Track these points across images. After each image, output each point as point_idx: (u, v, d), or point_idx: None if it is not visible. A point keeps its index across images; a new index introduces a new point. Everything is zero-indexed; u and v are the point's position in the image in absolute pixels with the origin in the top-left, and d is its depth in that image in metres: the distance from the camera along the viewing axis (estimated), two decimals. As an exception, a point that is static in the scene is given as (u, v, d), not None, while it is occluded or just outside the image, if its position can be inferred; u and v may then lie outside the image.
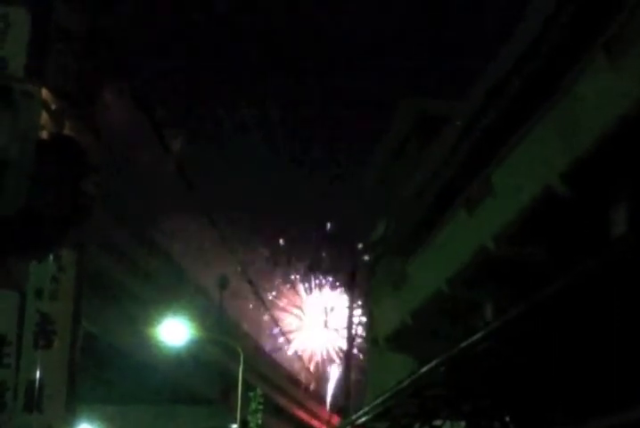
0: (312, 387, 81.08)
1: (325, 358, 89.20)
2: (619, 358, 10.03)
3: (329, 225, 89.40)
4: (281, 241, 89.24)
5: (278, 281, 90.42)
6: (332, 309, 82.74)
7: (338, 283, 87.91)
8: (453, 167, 19.56)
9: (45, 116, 4.27)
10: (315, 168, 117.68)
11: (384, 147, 28.57)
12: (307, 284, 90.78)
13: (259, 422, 32.37)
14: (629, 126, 10.89)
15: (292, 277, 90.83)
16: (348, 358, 36.50)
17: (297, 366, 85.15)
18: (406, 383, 13.09)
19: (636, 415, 9.35)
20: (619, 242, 9.64)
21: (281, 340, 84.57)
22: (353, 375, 37.26)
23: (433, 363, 11.82)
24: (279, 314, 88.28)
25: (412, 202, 23.27)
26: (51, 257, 4.90)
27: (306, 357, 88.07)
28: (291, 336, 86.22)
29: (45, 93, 4.26)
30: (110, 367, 34.88)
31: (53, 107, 4.33)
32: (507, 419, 14.44)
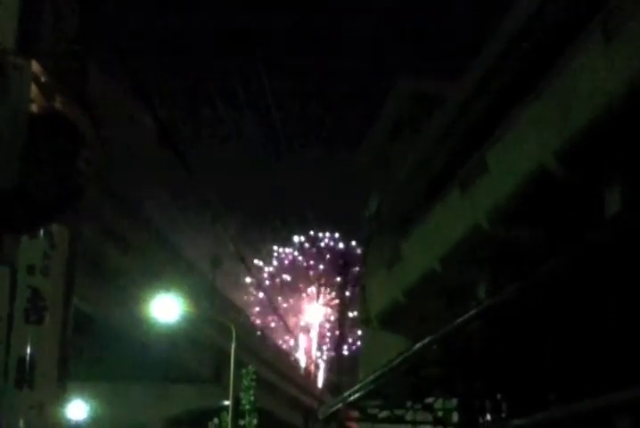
0: (304, 364, 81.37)
1: (318, 335, 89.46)
2: (612, 338, 10.04)
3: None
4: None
5: (272, 258, 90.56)
6: (325, 287, 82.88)
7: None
8: (448, 146, 19.53)
9: (35, 89, 4.21)
10: (309, 146, 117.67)
11: (380, 126, 28.54)
12: (301, 260, 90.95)
13: (252, 399, 32.45)
14: (624, 105, 10.86)
15: (286, 255, 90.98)
16: (340, 335, 36.61)
17: (289, 342, 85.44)
18: (397, 361, 13.11)
19: (629, 395, 9.38)
20: (613, 222, 9.64)
21: (273, 317, 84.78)
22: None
23: (425, 341, 11.84)
24: (272, 291, 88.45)
25: (406, 181, 23.26)
26: (42, 233, 4.86)
27: (298, 333, 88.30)
28: (283, 313, 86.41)
29: (35, 66, 4.20)
30: (104, 345, 34.92)
31: (43, 80, 4.27)
32: (499, 397, 14.50)
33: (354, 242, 75.27)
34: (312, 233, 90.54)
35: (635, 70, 10.50)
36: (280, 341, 79.98)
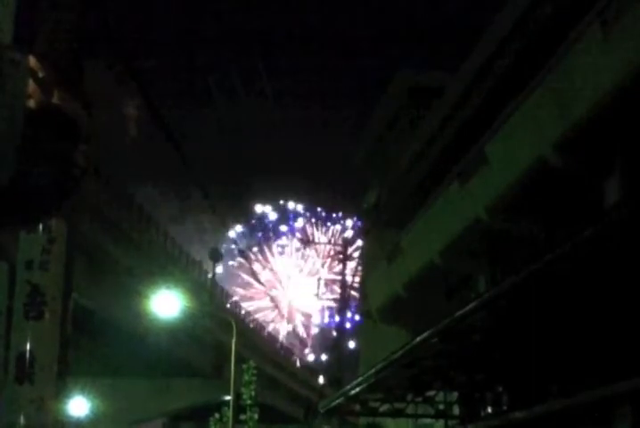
0: (305, 358, 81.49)
1: (318, 328, 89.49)
2: (612, 329, 10.03)
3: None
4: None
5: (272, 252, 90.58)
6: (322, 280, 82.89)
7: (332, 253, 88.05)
8: (446, 138, 19.51)
9: (32, 84, 4.20)
10: (307, 138, 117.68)
11: (378, 118, 28.53)
12: (301, 254, 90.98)
13: (253, 393, 32.46)
14: (623, 96, 10.84)
15: (286, 248, 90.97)
16: (340, 329, 36.63)
17: (289, 337, 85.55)
18: (398, 354, 13.10)
19: (629, 386, 9.38)
20: (612, 213, 9.62)
21: (274, 311, 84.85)
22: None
23: (426, 334, 11.82)
24: (272, 284, 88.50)
25: (405, 174, 23.24)
26: (40, 228, 4.85)
27: (298, 327, 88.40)
28: (283, 307, 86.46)
29: (32, 61, 4.19)
30: (105, 341, 34.94)
31: (41, 75, 4.26)
32: (500, 390, 14.50)
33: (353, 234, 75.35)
34: (311, 224, 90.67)
35: (633, 60, 10.48)
36: (280, 335, 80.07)
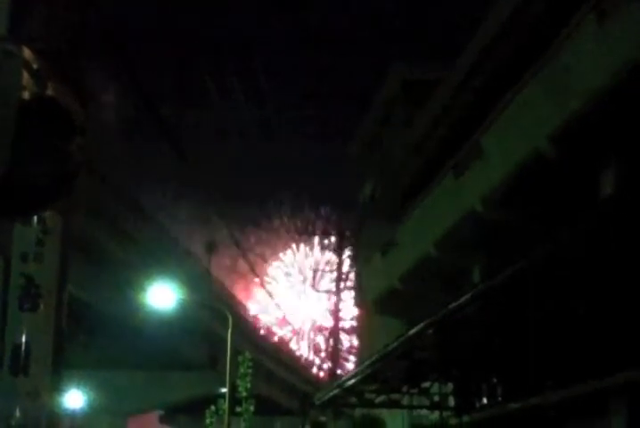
0: (300, 350, 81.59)
1: (313, 320, 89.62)
2: (607, 322, 10.05)
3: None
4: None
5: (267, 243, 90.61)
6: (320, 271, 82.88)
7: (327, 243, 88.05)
8: (442, 130, 19.51)
9: (26, 76, 4.18)
10: (303, 132, 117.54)
11: (374, 112, 28.51)
12: (296, 246, 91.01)
13: (248, 385, 32.55)
14: (618, 88, 10.84)
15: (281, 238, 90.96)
16: (336, 321, 36.65)
17: (285, 329, 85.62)
18: (393, 346, 13.13)
19: (622, 378, 9.40)
20: (607, 205, 9.64)
21: (269, 303, 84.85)
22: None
23: (421, 325, 11.86)
24: (268, 277, 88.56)
25: (400, 166, 23.25)
26: (35, 220, 4.84)
27: (294, 319, 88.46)
28: (278, 299, 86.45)
29: (26, 52, 4.17)
30: (101, 333, 34.93)
31: (35, 67, 4.24)
32: (495, 381, 14.53)
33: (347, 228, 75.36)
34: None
35: (628, 53, 10.48)
36: (276, 328, 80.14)
